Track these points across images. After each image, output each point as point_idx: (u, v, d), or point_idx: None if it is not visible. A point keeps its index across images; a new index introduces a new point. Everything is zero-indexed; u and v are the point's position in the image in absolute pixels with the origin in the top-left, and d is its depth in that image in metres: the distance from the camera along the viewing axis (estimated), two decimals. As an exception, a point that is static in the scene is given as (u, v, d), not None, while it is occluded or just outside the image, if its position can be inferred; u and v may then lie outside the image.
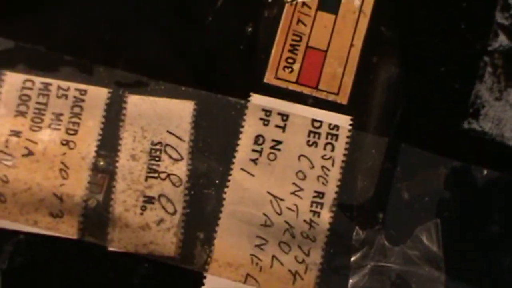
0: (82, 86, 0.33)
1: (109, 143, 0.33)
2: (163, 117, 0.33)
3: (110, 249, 0.32)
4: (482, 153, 0.33)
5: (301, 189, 0.33)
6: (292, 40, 0.34)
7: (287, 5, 0.34)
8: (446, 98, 0.34)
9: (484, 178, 0.33)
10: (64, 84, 0.33)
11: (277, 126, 0.33)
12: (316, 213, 0.32)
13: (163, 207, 0.32)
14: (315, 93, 0.33)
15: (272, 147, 0.33)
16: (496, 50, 0.34)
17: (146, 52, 0.34)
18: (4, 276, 0.32)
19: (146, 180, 0.32)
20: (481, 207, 0.33)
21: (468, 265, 0.32)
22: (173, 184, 0.32)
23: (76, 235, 0.32)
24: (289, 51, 0.34)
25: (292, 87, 0.33)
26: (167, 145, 0.33)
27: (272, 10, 0.34)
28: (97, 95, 0.33)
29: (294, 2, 0.34)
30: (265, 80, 0.33)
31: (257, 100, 0.33)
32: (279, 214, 0.32)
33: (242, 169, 0.33)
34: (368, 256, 0.32)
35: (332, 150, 0.33)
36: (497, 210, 0.33)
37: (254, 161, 0.33)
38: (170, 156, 0.33)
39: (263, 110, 0.33)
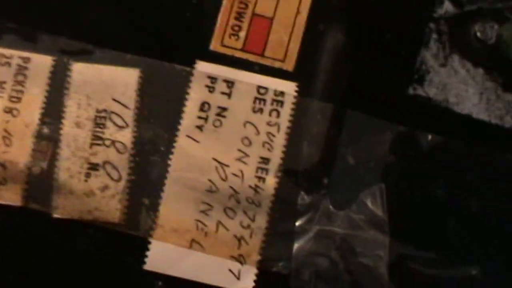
0: (26, 54, 0.32)
1: (53, 110, 0.32)
2: (108, 84, 0.32)
3: (55, 216, 0.31)
4: (427, 119, 0.33)
5: (247, 155, 0.32)
6: (238, 7, 0.33)
7: (233, -27, 0.33)
8: (392, 64, 0.33)
9: (428, 143, 0.32)
10: (7, 52, 0.32)
11: (222, 93, 0.32)
12: (261, 179, 0.32)
13: (108, 174, 0.32)
14: (261, 60, 0.33)
15: (217, 114, 0.32)
16: (441, 17, 0.33)
17: (91, 20, 0.33)
18: None
19: (90, 147, 0.32)
20: (425, 171, 0.32)
21: (412, 229, 0.32)
22: (118, 151, 0.32)
23: (20, 202, 0.31)
24: (235, 18, 0.33)
25: (238, 54, 0.33)
26: (112, 112, 0.32)
27: (218, -22, 0.33)
28: (41, 63, 0.32)
29: (240, -30, 0.33)
30: (211, 48, 0.33)
31: (202, 67, 0.33)
32: (224, 180, 0.32)
33: (187, 136, 0.32)
34: (313, 220, 0.32)
35: (278, 116, 0.32)
36: (441, 174, 0.32)
37: (200, 127, 0.32)
38: (115, 124, 0.32)
39: (209, 77, 0.33)
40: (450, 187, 0.32)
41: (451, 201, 0.32)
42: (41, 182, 0.31)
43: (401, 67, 0.33)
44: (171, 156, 0.32)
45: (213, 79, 0.32)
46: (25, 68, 0.32)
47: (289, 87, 0.32)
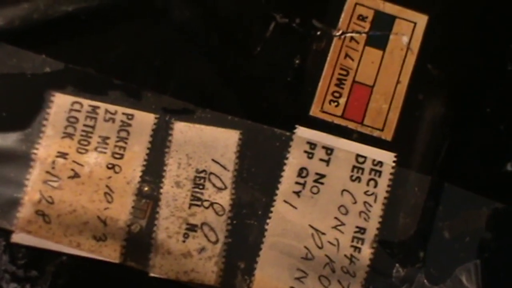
0: (130, 111, 0.30)
1: (154, 169, 0.30)
2: (208, 145, 0.30)
3: (151, 275, 0.29)
4: (524, 196, 0.30)
5: (343, 224, 0.30)
6: (339, 74, 0.31)
7: (335, 39, 0.31)
8: (491, 139, 0.31)
9: (525, 221, 0.30)
10: (111, 107, 0.30)
11: (321, 159, 0.30)
12: (357, 249, 0.30)
13: (206, 236, 0.30)
14: (360, 128, 0.31)
15: (315, 181, 0.30)
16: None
17: (194, 80, 0.31)
18: (45, 296, 0.29)
19: (189, 207, 0.30)
20: (521, 250, 0.30)
21: (507, 309, 0.29)
22: (216, 213, 0.30)
23: (118, 259, 0.29)
24: (336, 85, 0.31)
25: (337, 121, 0.31)
26: (211, 173, 0.30)
27: (321, 43, 0.31)
28: (144, 121, 0.30)
29: (343, 37, 0.31)
30: (311, 113, 0.31)
31: (302, 132, 0.30)
32: (320, 248, 0.30)
33: (285, 201, 0.30)
34: (408, 294, 0.29)
35: (375, 186, 0.30)
36: (538, 254, 0.30)
37: (297, 193, 0.30)
38: (214, 185, 0.30)
39: (308, 143, 0.30)
40: (545, 267, 0.30)
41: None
42: (139, 241, 0.29)
43: (500, 142, 0.31)
44: (268, 221, 0.30)
45: (312, 145, 0.30)
46: (129, 124, 0.30)
47: (388, 157, 0.30)
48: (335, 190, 0.30)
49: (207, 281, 0.29)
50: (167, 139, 0.30)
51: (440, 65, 0.31)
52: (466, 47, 0.31)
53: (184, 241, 0.29)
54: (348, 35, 0.31)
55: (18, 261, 0.29)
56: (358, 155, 0.30)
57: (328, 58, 0.31)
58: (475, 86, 0.31)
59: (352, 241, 0.29)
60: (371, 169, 0.30)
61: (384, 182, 0.30)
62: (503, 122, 0.30)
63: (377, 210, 0.29)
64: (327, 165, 0.30)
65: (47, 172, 0.29)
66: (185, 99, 0.30)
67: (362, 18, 0.31)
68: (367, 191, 0.30)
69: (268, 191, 0.30)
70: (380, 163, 0.30)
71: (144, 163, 0.30)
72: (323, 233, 0.29)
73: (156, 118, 0.30)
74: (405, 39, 0.31)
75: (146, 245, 0.29)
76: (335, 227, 0.29)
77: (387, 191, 0.30)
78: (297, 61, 0.31)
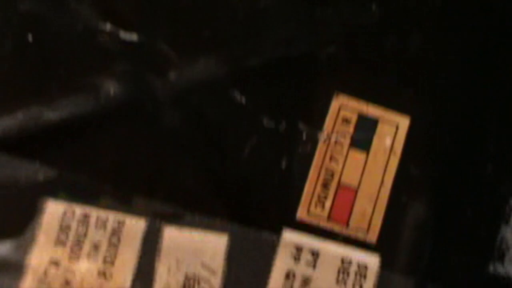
0: (121, 217, 0.31)
1: (144, 274, 0.30)
2: (197, 250, 0.31)
3: None
4: (506, 297, 0.31)
5: (330, 328, 0.30)
6: (325, 176, 0.32)
7: (320, 142, 0.32)
8: (473, 240, 0.31)
9: (508, 322, 0.30)
10: (103, 214, 0.31)
11: (307, 262, 0.31)
12: None
13: None
14: (345, 231, 0.31)
15: (302, 284, 0.31)
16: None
17: (183, 184, 0.32)
18: None
19: (179, 313, 0.30)
20: None
21: None
22: (205, 319, 0.30)
23: None
24: (321, 188, 0.32)
25: (323, 223, 0.31)
26: (200, 278, 0.30)
27: (306, 147, 0.32)
28: (135, 226, 0.31)
29: (328, 140, 0.32)
30: (298, 216, 0.31)
31: (289, 236, 0.31)
32: None
33: (272, 305, 0.30)
34: None
35: (361, 289, 0.31)
36: None
37: (285, 297, 0.30)
38: (203, 290, 0.30)
39: (295, 246, 0.31)
40: None
41: None
42: None
43: (482, 244, 0.31)
44: (256, 326, 0.30)
45: (299, 248, 0.31)
46: (120, 231, 0.31)
47: (373, 261, 0.31)
48: (322, 294, 0.30)
49: None
50: (157, 244, 0.30)
51: (422, 167, 0.31)
52: (447, 149, 0.32)
53: None
54: (333, 138, 0.31)
55: None
56: (343, 258, 0.30)
57: (314, 161, 0.31)
58: (456, 188, 0.31)
59: None
60: (356, 272, 0.30)
61: (369, 285, 0.30)
62: (484, 223, 0.31)
63: (362, 313, 0.30)
64: (313, 268, 0.30)
65: (40, 280, 0.30)
66: (174, 203, 0.31)
67: (346, 121, 0.32)
68: (353, 294, 0.30)
69: (256, 295, 0.30)
70: (365, 266, 0.30)
71: (135, 269, 0.30)
72: (310, 337, 0.30)
73: (146, 223, 0.30)
74: (388, 142, 0.31)
75: None
76: (321, 331, 0.30)
77: (372, 294, 0.30)
78: (283, 165, 0.31)
